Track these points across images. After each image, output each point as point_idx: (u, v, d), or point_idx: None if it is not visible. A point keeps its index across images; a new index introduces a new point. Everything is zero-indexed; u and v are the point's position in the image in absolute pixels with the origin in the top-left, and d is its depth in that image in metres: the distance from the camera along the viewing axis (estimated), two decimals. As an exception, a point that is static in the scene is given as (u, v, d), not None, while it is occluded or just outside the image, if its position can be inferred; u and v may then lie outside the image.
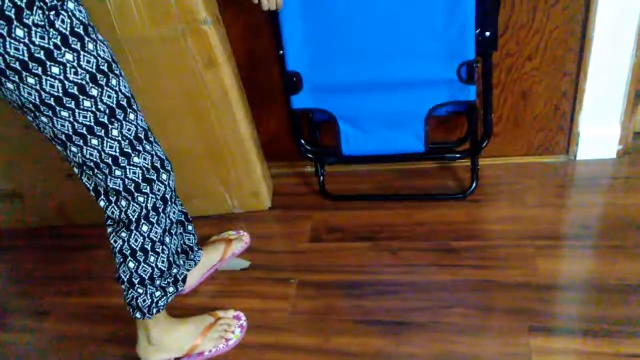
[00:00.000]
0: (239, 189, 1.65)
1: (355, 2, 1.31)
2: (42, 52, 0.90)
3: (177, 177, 1.63)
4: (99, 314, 1.49)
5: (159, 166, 1.14)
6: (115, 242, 1.16)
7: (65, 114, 0.97)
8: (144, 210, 1.13)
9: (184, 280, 1.29)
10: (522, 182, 1.57)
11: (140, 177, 1.10)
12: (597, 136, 1.54)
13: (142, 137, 1.09)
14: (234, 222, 1.68)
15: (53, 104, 0.96)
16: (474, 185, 1.55)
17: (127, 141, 1.06)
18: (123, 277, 1.18)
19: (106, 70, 1.00)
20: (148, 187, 1.12)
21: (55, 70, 0.93)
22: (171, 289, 1.24)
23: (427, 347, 1.21)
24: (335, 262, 1.46)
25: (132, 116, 1.06)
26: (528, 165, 1.62)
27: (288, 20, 1.35)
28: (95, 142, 1.03)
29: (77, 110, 0.98)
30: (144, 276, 1.18)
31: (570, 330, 1.17)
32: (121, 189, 1.09)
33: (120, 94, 1.03)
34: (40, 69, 0.91)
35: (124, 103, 1.04)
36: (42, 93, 0.94)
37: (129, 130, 1.06)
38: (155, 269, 1.19)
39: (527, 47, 1.43)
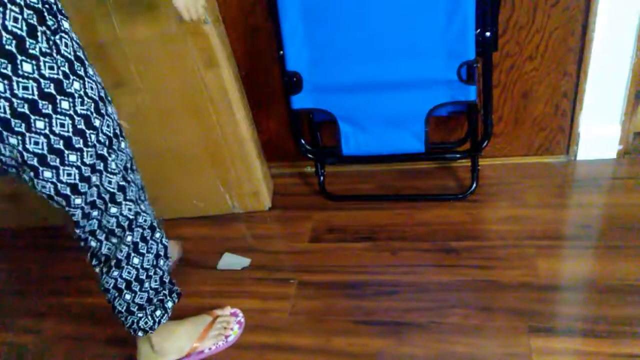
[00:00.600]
0: (238, 189, 1.65)
1: (355, 2, 1.31)
2: (52, 86, 0.81)
3: (178, 177, 1.63)
4: (99, 314, 1.49)
5: (141, 195, 1.09)
6: (107, 282, 1.10)
7: (73, 157, 0.88)
8: (132, 245, 1.08)
9: (176, 288, 1.24)
10: (522, 182, 1.57)
11: (133, 212, 1.05)
12: (597, 136, 1.54)
13: (129, 166, 1.03)
14: (233, 222, 1.68)
15: (62, 147, 0.85)
16: (474, 185, 1.55)
17: (121, 174, 0.99)
18: (119, 308, 1.14)
19: (104, 96, 0.93)
20: (136, 221, 1.06)
21: (65, 104, 0.83)
22: (169, 304, 1.21)
23: (427, 347, 1.21)
24: (335, 262, 1.46)
25: (122, 144, 1.00)
26: (528, 165, 1.62)
27: (288, 20, 1.35)
28: (94, 178, 0.93)
29: (85, 149, 0.88)
30: (142, 302, 1.15)
31: (570, 330, 1.17)
32: (114, 227, 1.03)
33: (115, 122, 0.96)
34: (50, 106, 0.81)
35: (117, 131, 0.97)
36: (52, 137, 0.84)
37: (122, 160, 0.99)
38: (151, 291, 1.15)
39: (527, 47, 1.43)
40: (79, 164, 0.89)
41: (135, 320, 1.16)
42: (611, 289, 1.23)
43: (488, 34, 1.30)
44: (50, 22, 0.80)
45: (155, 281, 1.16)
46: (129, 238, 1.06)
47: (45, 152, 0.85)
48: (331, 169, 1.75)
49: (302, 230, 1.59)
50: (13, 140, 0.81)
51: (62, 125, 0.84)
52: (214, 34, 1.37)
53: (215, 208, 1.70)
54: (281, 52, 1.40)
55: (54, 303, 1.55)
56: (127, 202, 1.02)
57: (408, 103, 1.40)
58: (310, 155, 1.62)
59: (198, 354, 1.30)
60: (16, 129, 0.80)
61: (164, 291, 1.20)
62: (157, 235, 1.13)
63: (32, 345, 1.45)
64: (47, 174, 0.88)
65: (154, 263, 1.13)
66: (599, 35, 1.36)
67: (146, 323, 1.17)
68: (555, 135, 1.58)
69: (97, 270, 1.11)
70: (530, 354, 1.14)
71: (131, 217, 1.04)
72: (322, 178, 1.67)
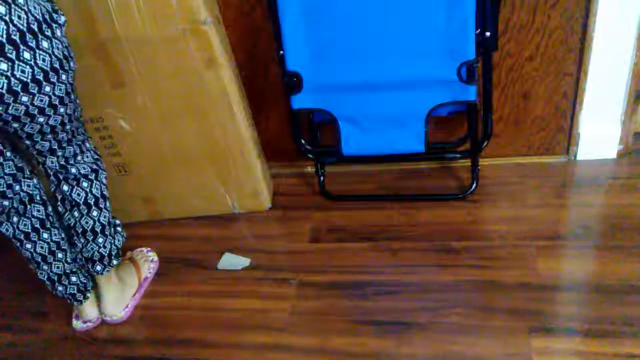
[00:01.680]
0: (238, 189, 1.65)
1: (355, 2, 1.31)
2: (57, 63, 1.04)
3: (178, 177, 1.63)
4: (99, 314, 1.49)
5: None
6: (79, 194, 1.26)
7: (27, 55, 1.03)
8: (87, 167, 1.28)
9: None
10: (522, 182, 1.57)
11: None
12: (597, 136, 1.54)
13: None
14: (233, 222, 1.68)
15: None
16: (474, 185, 1.55)
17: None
18: (104, 221, 1.31)
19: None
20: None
21: (64, 76, 1.07)
22: (119, 228, 1.40)
23: (427, 347, 1.21)
24: (335, 262, 1.46)
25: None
26: (528, 165, 1.62)
27: (288, 20, 1.35)
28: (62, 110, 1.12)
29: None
30: (105, 222, 1.33)
31: (570, 330, 1.17)
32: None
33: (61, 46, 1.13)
34: (55, 76, 1.04)
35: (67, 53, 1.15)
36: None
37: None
38: (109, 213, 1.34)
39: (527, 47, 1.43)
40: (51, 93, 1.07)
41: (112, 242, 1.35)
42: (611, 289, 1.23)
43: (488, 34, 1.30)
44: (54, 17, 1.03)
45: (108, 208, 1.35)
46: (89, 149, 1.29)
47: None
48: (331, 169, 1.75)
49: (302, 230, 1.59)
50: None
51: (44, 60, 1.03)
52: (214, 34, 1.37)
53: (215, 208, 1.70)
54: (281, 52, 1.40)
55: (54, 303, 1.55)
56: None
57: (408, 103, 1.40)
58: (310, 155, 1.62)
59: (145, 280, 1.53)
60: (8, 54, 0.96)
61: (113, 224, 1.38)
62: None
63: (32, 345, 1.45)
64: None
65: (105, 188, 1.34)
66: (599, 35, 1.36)
67: (119, 244, 1.38)
68: (555, 135, 1.58)
69: (65, 188, 1.27)
70: (530, 354, 1.14)
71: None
72: (322, 178, 1.67)
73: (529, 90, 1.50)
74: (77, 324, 1.45)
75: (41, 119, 1.07)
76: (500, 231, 1.43)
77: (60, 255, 1.33)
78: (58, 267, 1.33)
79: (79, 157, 1.26)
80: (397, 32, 1.32)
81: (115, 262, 1.38)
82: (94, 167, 1.29)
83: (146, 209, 1.72)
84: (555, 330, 1.18)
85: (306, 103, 1.46)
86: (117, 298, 1.43)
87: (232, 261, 1.54)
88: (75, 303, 1.40)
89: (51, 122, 1.10)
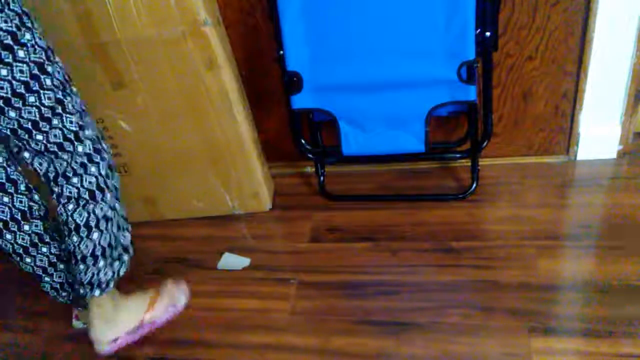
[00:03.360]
0: (239, 189, 1.65)
1: (355, 2, 1.31)
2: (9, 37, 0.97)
3: (178, 178, 1.63)
4: (99, 314, 1.49)
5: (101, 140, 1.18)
6: (80, 214, 1.15)
7: (32, 99, 1.02)
8: (99, 176, 1.16)
9: (132, 243, 1.29)
10: (522, 182, 1.57)
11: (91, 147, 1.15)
12: (597, 136, 1.54)
13: (83, 109, 1.15)
14: (234, 222, 1.68)
15: (23, 91, 1.01)
16: (474, 185, 1.55)
17: (78, 114, 1.11)
18: (85, 252, 1.17)
19: (51, 46, 1.07)
20: (98, 157, 1.17)
21: (21, 53, 1.00)
22: (125, 257, 1.26)
23: (427, 347, 1.21)
24: (335, 262, 1.46)
25: (74, 89, 1.12)
26: (528, 165, 1.62)
27: (288, 20, 1.35)
28: (55, 121, 1.07)
29: (42, 92, 1.03)
30: (105, 245, 1.19)
31: (570, 330, 1.17)
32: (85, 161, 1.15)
33: (63, 69, 1.10)
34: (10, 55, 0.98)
35: (67, 77, 1.11)
36: (14, 82, 0.99)
37: (77, 103, 1.12)
38: (112, 235, 1.20)
39: (527, 47, 1.43)
40: (38, 104, 1.03)
41: (96, 272, 1.19)
42: (611, 289, 1.23)
43: (488, 34, 1.30)
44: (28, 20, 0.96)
45: (116, 225, 1.22)
46: (93, 169, 1.15)
47: (9, 95, 0.99)
48: (331, 169, 1.75)
49: (302, 230, 1.59)
50: (13, 114, 0.97)
51: (21, 72, 0.99)
52: (214, 35, 1.37)
53: (215, 209, 1.70)
54: (281, 52, 1.40)
55: (54, 303, 1.55)
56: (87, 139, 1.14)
57: (408, 103, 1.40)
58: (310, 155, 1.62)
59: (151, 324, 1.33)
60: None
61: (119, 247, 1.24)
62: (116, 174, 1.22)
63: (32, 345, 1.45)
64: (12, 113, 1.01)
65: (114, 205, 1.20)
66: (599, 35, 1.37)
67: (106, 274, 1.21)
68: (555, 135, 1.58)
69: (71, 207, 1.15)
70: (530, 354, 1.14)
71: (89, 151, 1.15)
72: (322, 178, 1.67)
73: (529, 90, 1.50)
74: (76, 324, 1.44)
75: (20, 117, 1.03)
76: (500, 231, 1.43)
77: (61, 266, 1.30)
78: (60, 277, 1.31)
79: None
80: (397, 32, 1.32)
81: (97, 292, 1.23)
82: (109, 214, 1.19)
83: (146, 209, 1.72)
84: (555, 330, 1.18)
85: (306, 103, 1.46)
86: (103, 328, 1.27)
87: (232, 261, 1.54)
88: (79, 308, 1.40)
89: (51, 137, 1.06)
